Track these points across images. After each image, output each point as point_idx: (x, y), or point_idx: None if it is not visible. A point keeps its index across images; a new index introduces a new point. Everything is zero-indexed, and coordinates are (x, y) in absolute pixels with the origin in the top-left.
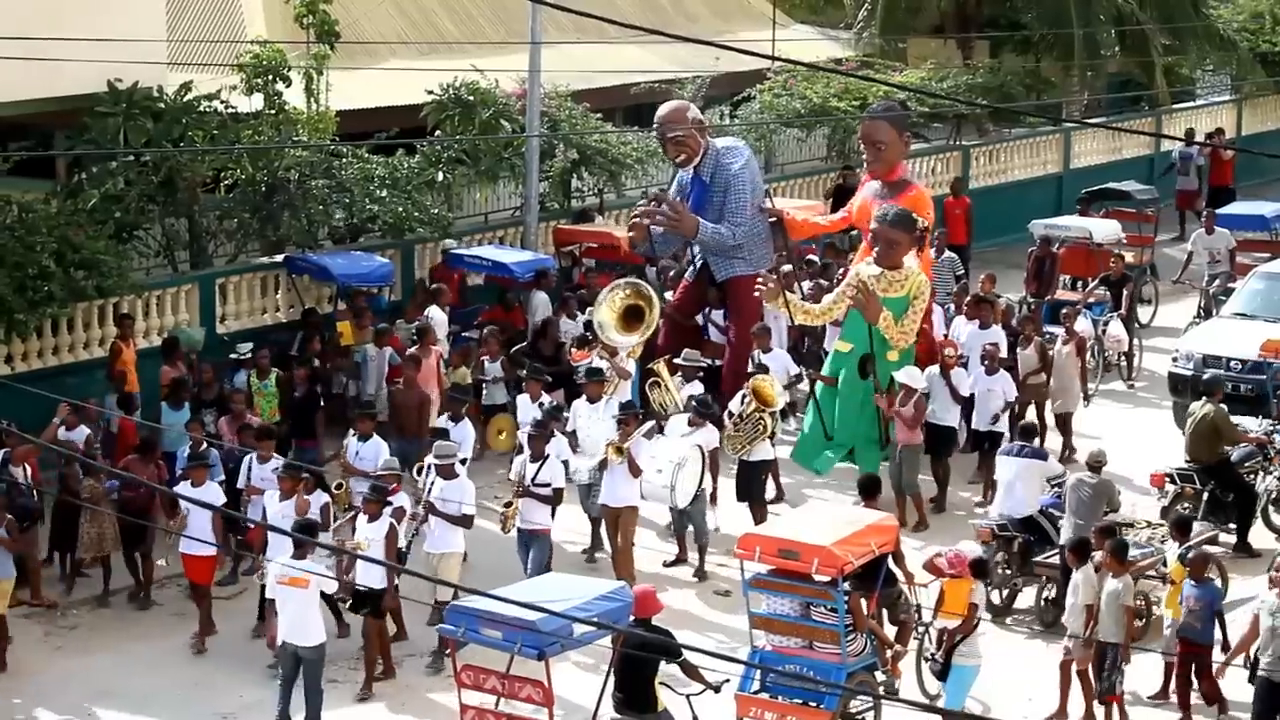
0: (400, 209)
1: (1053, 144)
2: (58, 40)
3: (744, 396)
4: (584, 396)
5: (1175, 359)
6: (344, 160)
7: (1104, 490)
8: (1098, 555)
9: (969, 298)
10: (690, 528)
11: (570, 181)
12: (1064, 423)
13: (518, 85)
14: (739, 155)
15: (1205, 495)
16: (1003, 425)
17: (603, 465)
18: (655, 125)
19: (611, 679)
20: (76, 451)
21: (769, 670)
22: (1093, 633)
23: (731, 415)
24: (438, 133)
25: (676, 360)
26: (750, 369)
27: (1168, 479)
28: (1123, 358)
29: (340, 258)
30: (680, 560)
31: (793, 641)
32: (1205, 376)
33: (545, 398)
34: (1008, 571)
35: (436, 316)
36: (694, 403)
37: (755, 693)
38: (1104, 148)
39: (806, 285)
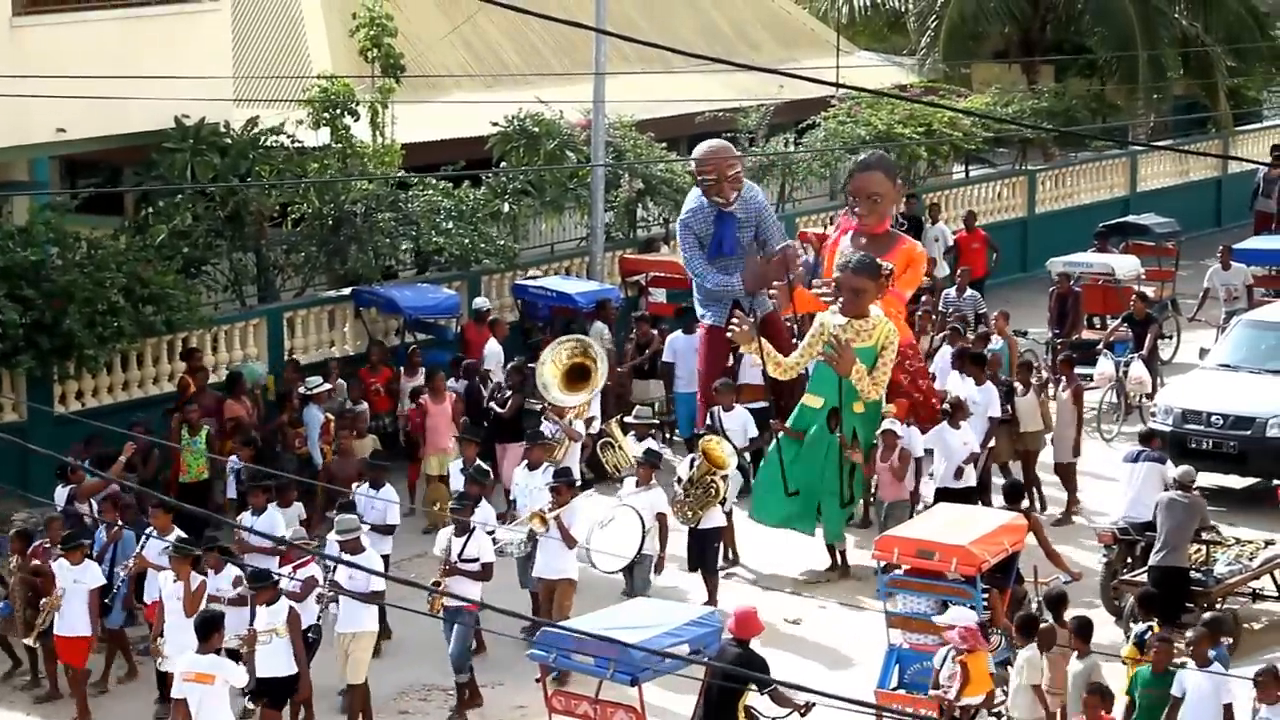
0: (466, 240)
1: (1119, 167)
2: (125, 78)
3: (693, 460)
4: (524, 462)
5: (1154, 414)
6: (410, 193)
7: (1196, 509)
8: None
9: (960, 358)
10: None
11: (636, 211)
12: (1063, 474)
13: (582, 116)
14: (753, 187)
15: None
16: (969, 479)
17: (532, 537)
18: (706, 162)
19: (702, 701)
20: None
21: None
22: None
23: (680, 480)
24: (503, 164)
25: (628, 419)
26: (702, 430)
27: None
28: (1145, 399)
29: (407, 290)
30: None
31: (930, 639)
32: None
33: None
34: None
35: (493, 350)
36: (646, 454)
37: (894, 689)
38: (1171, 171)
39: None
